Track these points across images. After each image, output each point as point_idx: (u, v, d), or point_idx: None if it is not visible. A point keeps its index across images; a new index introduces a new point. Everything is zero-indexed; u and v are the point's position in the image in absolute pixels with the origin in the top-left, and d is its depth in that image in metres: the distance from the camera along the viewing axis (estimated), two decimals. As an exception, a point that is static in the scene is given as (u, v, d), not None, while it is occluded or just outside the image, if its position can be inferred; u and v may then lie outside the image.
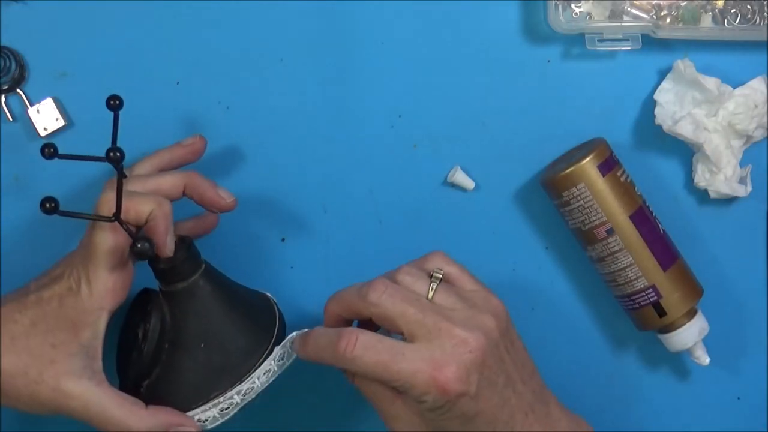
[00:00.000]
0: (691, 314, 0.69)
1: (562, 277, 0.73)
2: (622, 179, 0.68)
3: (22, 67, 0.71)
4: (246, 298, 0.65)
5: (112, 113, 0.61)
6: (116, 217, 0.58)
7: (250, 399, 0.62)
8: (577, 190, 0.68)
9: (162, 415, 0.60)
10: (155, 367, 0.62)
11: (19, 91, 0.71)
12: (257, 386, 0.61)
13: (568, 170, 0.68)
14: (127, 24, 0.71)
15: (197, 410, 0.61)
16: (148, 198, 0.60)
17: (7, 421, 0.70)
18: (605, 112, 0.72)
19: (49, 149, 0.59)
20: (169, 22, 0.71)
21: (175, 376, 0.61)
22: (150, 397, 0.61)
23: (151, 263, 0.62)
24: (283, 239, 0.73)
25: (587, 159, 0.67)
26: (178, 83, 0.72)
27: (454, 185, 0.73)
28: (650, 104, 0.71)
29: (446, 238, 0.73)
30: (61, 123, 0.71)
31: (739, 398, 0.74)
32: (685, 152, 0.72)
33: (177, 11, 0.71)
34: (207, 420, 0.61)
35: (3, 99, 0.71)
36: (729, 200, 0.72)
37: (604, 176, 0.68)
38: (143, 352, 0.62)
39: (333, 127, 0.72)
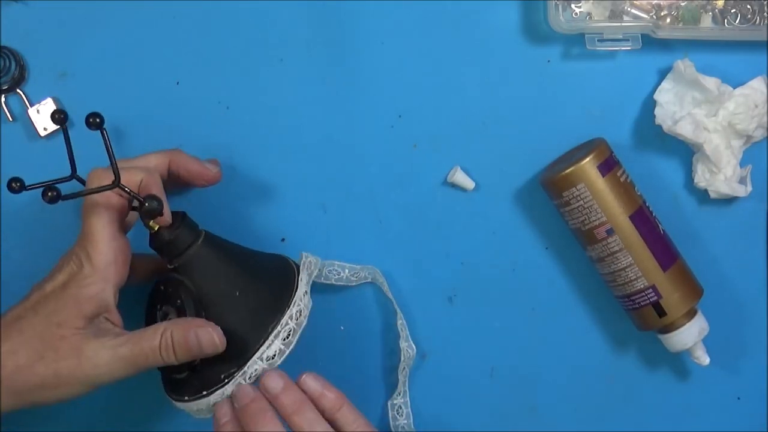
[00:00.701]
0: (691, 314, 0.69)
1: (562, 277, 0.73)
2: (622, 179, 0.68)
3: (22, 67, 0.71)
4: (253, 250, 0.66)
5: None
6: (116, 182, 0.58)
7: (303, 322, 0.63)
8: (577, 190, 0.68)
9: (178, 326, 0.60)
10: None
11: (19, 91, 0.71)
12: (302, 307, 0.63)
13: (568, 170, 0.68)
14: (127, 24, 0.71)
15: (262, 350, 0.62)
16: (137, 168, 0.61)
17: (6, 422, 0.70)
18: (605, 112, 0.72)
19: (52, 192, 0.58)
20: (169, 22, 0.71)
21: (226, 333, 0.62)
22: (211, 365, 0.61)
23: (155, 244, 0.63)
24: (283, 239, 0.73)
25: (587, 159, 0.67)
26: (178, 83, 0.72)
27: (454, 185, 0.73)
28: (650, 104, 0.71)
29: (446, 238, 0.73)
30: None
31: (739, 398, 0.74)
32: (685, 152, 0.72)
33: (177, 11, 0.71)
34: (275, 354, 0.62)
35: (3, 99, 0.71)
36: (729, 200, 0.72)
37: (604, 176, 0.68)
38: None
39: (333, 127, 0.72)
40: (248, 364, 0.61)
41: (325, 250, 0.73)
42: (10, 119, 0.72)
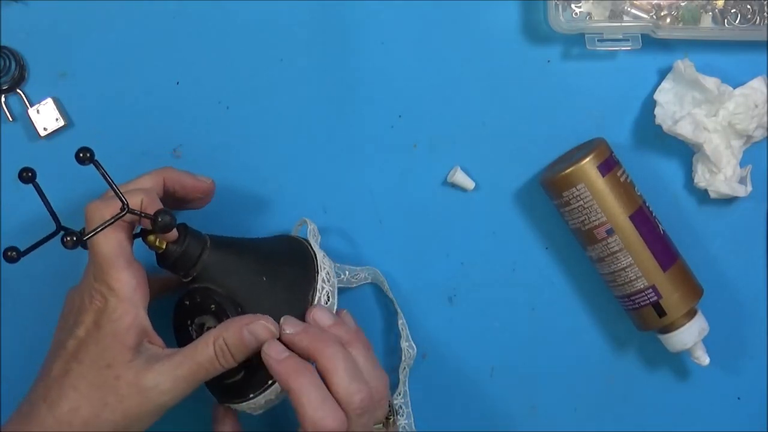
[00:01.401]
0: (691, 314, 0.69)
1: (562, 277, 0.73)
2: (622, 179, 0.68)
3: (22, 67, 0.71)
4: (256, 238, 0.67)
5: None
6: (126, 207, 0.58)
7: (335, 282, 0.64)
8: (577, 190, 0.68)
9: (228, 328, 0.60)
10: None
11: (19, 91, 0.71)
12: (329, 268, 0.64)
13: (568, 170, 0.68)
14: (127, 24, 0.71)
15: (312, 307, 0.63)
16: (135, 191, 0.60)
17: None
18: (605, 112, 0.72)
19: (70, 238, 0.57)
20: (169, 22, 0.71)
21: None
22: (259, 362, 0.61)
23: (166, 262, 0.62)
24: (283, 239, 0.73)
25: (587, 159, 0.67)
26: (178, 83, 0.72)
27: (454, 185, 0.73)
28: (650, 104, 0.71)
29: (446, 238, 0.73)
30: (61, 123, 0.71)
31: (739, 398, 0.74)
32: (685, 152, 0.72)
33: (177, 11, 0.71)
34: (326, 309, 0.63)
35: (3, 99, 0.71)
36: (729, 200, 0.72)
37: (604, 176, 0.68)
38: None
39: (333, 127, 0.72)
40: None
41: (325, 250, 0.73)
42: (10, 119, 0.72)
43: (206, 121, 0.72)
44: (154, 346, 0.60)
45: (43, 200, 0.60)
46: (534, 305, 0.73)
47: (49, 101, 0.71)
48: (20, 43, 0.71)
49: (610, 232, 0.68)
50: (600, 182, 0.67)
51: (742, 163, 0.71)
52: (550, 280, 0.73)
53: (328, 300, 0.63)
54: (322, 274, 0.64)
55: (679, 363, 0.74)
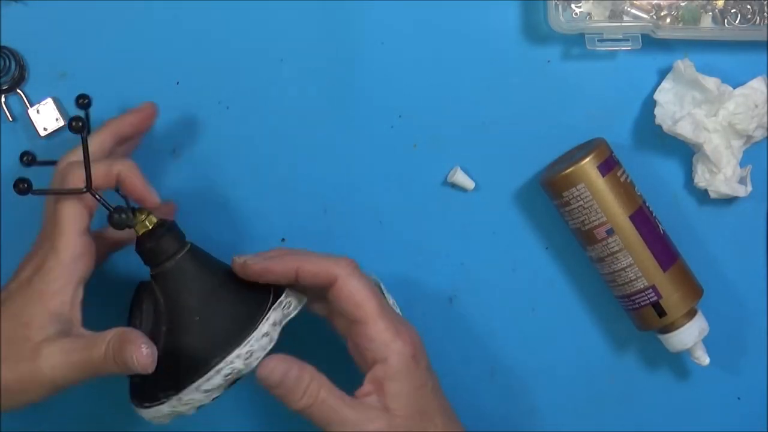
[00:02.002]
0: (691, 314, 0.69)
1: (562, 277, 0.73)
2: (622, 179, 0.68)
3: (22, 67, 0.71)
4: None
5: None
6: (87, 188, 0.58)
7: (253, 363, 0.61)
8: (577, 190, 0.68)
9: (114, 336, 0.59)
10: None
11: (19, 91, 0.71)
12: (256, 348, 0.61)
13: (568, 170, 0.68)
14: (127, 24, 0.71)
15: (201, 381, 0.60)
16: (113, 160, 0.60)
17: (6, 422, 0.70)
18: (605, 112, 0.72)
19: (23, 184, 0.59)
20: (169, 22, 0.71)
21: (176, 355, 0.61)
22: (156, 379, 0.60)
23: (137, 248, 0.62)
24: (283, 239, 0.73)
25: (587, 159, 0.67)
26: (178, 83, 0.72)
27: (454, 185, 0.73)
28: (650, 104, 0.71)
29: (446, 238, 0.73)
30: (61, 123, 0.71)
31: (739, 398, 0.74)
32: (685, 152, 0.72)
33: (177, 11, 0.71)
34: (213, 389, 0.60)
35: (3, 99, 0.71)
36: (729, 200, 0.72)
37: (604, 176, 0.68)
38: None
39: (333, 127, 0.72)
40: (184, 391, 0.60)
41: (325, 250, 0.72)
42: (10, 119, 0.72)
43: (206, 121, 0.72)
44: (73, 322, 0.59)
45: (51, 192, 0.60)
46: (534, 305, 0.73)
47: (49, 101, 0.71)
48: (20, 43, 0.71)
49: (610, 232, 0.68)
50: (600, 182, 0.67)
51: (742, 163, 0.71)
52: (550, 280, 0.73)
53: (230, 375, 0.60)
54: (242, 350, 0.60)
55: (679, 363, 0.74)
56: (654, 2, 0.70)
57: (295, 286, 0.63)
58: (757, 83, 0.70)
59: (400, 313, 0.70)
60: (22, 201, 0.71)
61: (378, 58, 0.72)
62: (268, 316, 0.62)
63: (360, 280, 0.61)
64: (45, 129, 0.71)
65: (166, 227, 0.62)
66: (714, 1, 0.70)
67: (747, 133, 0.70)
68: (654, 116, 0.70)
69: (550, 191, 0.70)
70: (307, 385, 0.59)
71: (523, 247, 0.73)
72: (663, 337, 0.70)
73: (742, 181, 0.71)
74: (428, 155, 0.73)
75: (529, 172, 0.72)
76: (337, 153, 0.72)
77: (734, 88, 0.70)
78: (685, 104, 0.70)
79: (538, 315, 0.73)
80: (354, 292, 0.60)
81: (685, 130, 0.69)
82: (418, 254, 0.73)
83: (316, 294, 0.63)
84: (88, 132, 0.58)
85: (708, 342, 0.71)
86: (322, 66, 0.72)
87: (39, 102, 0.71)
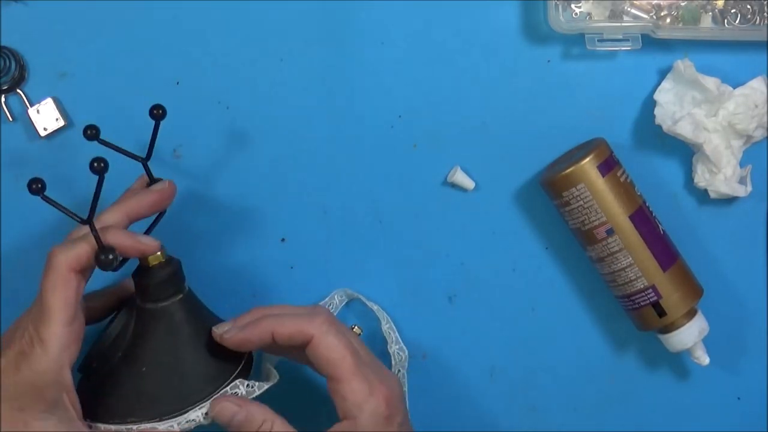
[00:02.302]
0: (691, 314, 0.69)
1: (561, 277, 0.73)
2: (622, 179, 0.68)
3: (22, 67, 0.71)
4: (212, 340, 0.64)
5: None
6: (88, 219, 0.57)
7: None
8: (577, 190, 0.68)
9: None
10: (99, 368, 0.62)
11: (19, 91, 0.71)
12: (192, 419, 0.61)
13: (568, 170, 0.68)
14: (127, 24, 0.71)
15: (109, 426, 0.60)
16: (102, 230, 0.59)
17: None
18: (605, 112, 0.72)
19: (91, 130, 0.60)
20: (169, 22, 0.71)
21: (109, 387, 0.61)
22: (82, 391, 0.60)
23: (133, 277, 0.62)
24: (283, 239, 0.73)
25: (587, 159, 0.67)
26: (178, 83, 0.72)
27: (454, 185, 0.73)
28: (650, 104, 0.71)
29: (446, 238, 0.73)
30: (61, 123, 0.71)
31: (739, 398, 0.74)
32: (685, 152, 0.72)
33: (177, 11, 0.71)
34: None
35: (3, 99, 0.71)
36: (729, 200, 0.72)
37: (604, 176, 0.68)
38: (95, 348, 0.62)
39: (333, 127, 0.72)
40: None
41: (325, 250, 0.73)
42: (10, 119, 0.72)
43: (206, 121, 0.72)
44: (70, 407, 0.58)
45: (57, 207, 0.59)
46: (534, 305, 0.73)
47: (49, 101, 0.71)
48: (20, 43, 0.71)
49: (610, 232, 0.68)
50: (600, 182, 0.67)
51: (742, 163, 0.71)
52: (550, 280, 0.73)
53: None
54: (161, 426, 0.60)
55: (679, 363, 0.74)
56: (654, 2, 0.70)
57: (273, 346, 0.63)
58: (757, 83, 0.70)
59: (398, 337, 0.70)
60: (23, 199, 0.72)
61: (378, 58, 0.72)
62: (202, 405, 0.61)
63: (336, 336, 0.60)
64: (45, 129, 0.71)
65: (168, 270, 0.62)
66: (714, 1, 0.70)
67: (747, 133, 0.70)
68: (654, 116, 0.70)
69: (550, 191, 0.70)
70: (259, 424, 0.59)
71: (523, 247, 0.73)
72: (663, 337, 0.70)
73: (742, 181, 0.71)
74: (428, 155, 0.73)
75: (529, 172, 0.72)
76: (337, 153, 0.72)
77: (734, 88, 0.70)
78: (685, 104, 0.70)
79: (538, 315, 0.73)
80: (328, 350, 0.60)
81: (684, 130, 0.69)
82: (418, 254, 0.73)
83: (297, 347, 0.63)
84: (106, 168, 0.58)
85: (708, 342, 0.71)
86: (322, 66, 0.72)
87: (39, 102, 0.71)
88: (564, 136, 0.72)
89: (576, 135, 0.72)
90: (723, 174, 0.70)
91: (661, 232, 0.70)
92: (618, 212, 0.68)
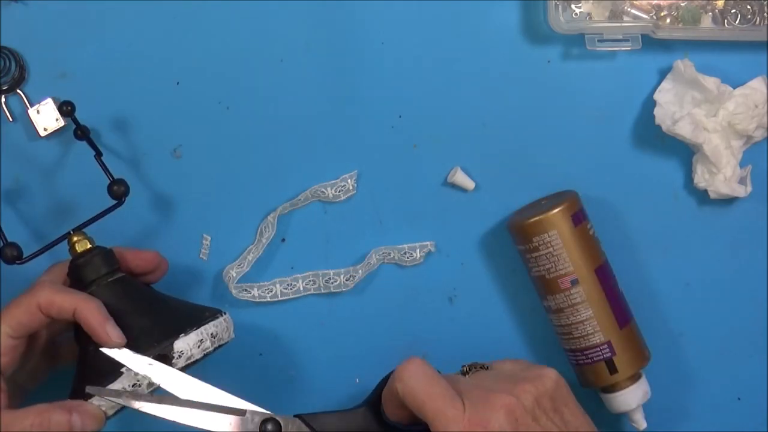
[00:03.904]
0: (636, 378, 0.69)
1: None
2: (591, 233, 0.68)
3: (22, 67, 0.71)
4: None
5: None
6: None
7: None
8: (549, 236, 0.67)
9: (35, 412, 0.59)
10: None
11: (19, 91, 0.71)
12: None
13: (542, 216, 0.67)
14: (127, 24, 0.71)
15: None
16: (80, 297, 0.61)
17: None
18: (605, 112, 0.72)
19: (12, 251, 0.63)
20: (169, 22, 0.71)
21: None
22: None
23: (70, 271, 0.64)
24: (283, 239, 0.73)
25: (560, 208, 0.67)
26: (178, 83, 0.72)
27: (454, 185, 0.73)
28: (650, 104, 0.71)
29: (446, 238, 0.73)
30: (61, 123, 0.71)
31: (739, 398, 0.74)
32: (685, 152, 0.72)
33: (177, 11, 0.71)
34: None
35: (3, 99, 0.71)
36: (729, 200, 0.72)
37: (575, 227, 0.67)
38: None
39: (333, 128, 0.72)
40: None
41: (325, 250, 0.73)
42: (10, 119, 0.72)
43: (206, 121, 0.72)
44: None
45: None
46: (534, 306, 0.73)
47: (49, 101, 0.71)
48: (20, 43, 0.71)
49: (574, 283, 0.67)
50: (571, 232, 0.67)
51: (742, 163, 0.71)
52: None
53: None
54: (207, 329, 0.62)
55: (678, 363, 0.74)
56: (654, 2, 0.70)
57: None
58: (757, 83, 0.70)
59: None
60: (23, 200, 0.72)
61: (378, 58, 0.72)
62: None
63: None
64: (45, 129, 0.71)
65: (99, 252, 0.63)
66: (714, 1, 0.70)
67: (747, 133, 0.70)
68: (654, 116, 0.70)
69: (518, 236, 0.69)
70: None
71: (523, 247, 0.73)
72: (607, 397, 0.70)
73: (742, 181, 0.70)
74: (428, 155, 0.73)
75: (529, 173, 0.72)
76: (338, 153, 0.72)
77: (734, 88, 0.70)
78: (684, 104, 0.70)
79: (538, 315, 0.73)
80: None
81: (684, 130, 0.68)
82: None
83: None
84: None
85: (707, 343, 0.71)
86: (322, 66, 0.72)
87: (39, 102, 0.71)
88: (564, 136, 0.72)
89: (576, 135, 0.72)
90: (723, 174, 0.70)
91: (620, 290, 0.70)
92: (584, 264, 0.68)
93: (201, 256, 0.73)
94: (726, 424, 0.74)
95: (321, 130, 0.72)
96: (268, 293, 0.72)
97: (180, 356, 0.61)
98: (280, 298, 0.72)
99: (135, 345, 0.60)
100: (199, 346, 0.62)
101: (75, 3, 0.71)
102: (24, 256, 0.62)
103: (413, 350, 0.73)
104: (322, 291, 0.72)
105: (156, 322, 0.62)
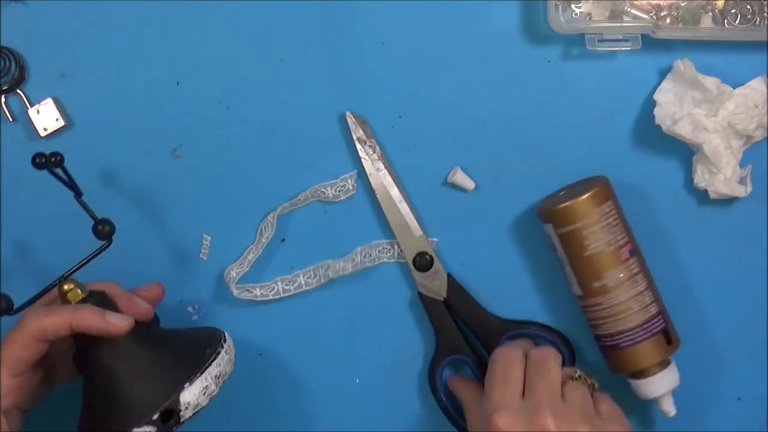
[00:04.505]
0: (665, 364, 0.69)
1: (561, 277, 0.73)
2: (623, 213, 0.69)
3: (22, 67, 0.71)
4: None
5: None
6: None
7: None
8: (608, 206, 0.67)
9: None
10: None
11: (19, 91, 0.71)
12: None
13: (595, 189, 0.67)
14: (127, 24, 0.71)
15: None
16: (61, 313, 0.61)
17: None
18: (605, 112, 0.72)
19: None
20: (169, 22, 0.71)
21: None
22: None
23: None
24: (283, 239, 0.73)
25: (603, 181, 0.68)
26: (178, 83, 0.72)
27: (454, 185, 0.73)
28: (650, 104, 0.71)
29: (446, 238, 0.73)
30: (61, 123, 0.71)
31: (739, 398, 0.74)
32: (685, 152, 0.72)
33: (177, 11, 0.71)
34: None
35: (3, 99, 0.71)
36: (729, 201, 0.72)
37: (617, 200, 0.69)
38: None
39: (333, 128, 0.72)
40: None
41: (325, 250, 0.73)
42: (10, 119, 0.72)
43: (206, 121, 0.72)
44: None
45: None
46: (534, 306, 0.73)
47: (49, 101, 0.71)
48: (20, 43, 0.71)
49: (632, 252, 0.68)
50: (617, 204, 0.68)
51: (742, 163, 0.71)
52: (551, 281, 0.73)
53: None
54: (211, 371, 0.61)
55: (678, 363, 0.74)
56: (654, 2, 0.70)
57: None
58: (757, 83, 0.70)
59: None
60: (23, 200, 0.72)
61: (378, 59, 0.72)
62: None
63: None
64: (45, 129, 0.71)
65: (95, 300, 0.62)
66: (714, 1, 0.70)
67: (747, 133, 0.70)
68: (654, 116, 0.70)
69: (570, 215, 0.67)
70: None
71: (523, 247, 0.73)
72: (636, 383, 0.69)
73: (742, 181, 0.70)
74: (428, 155, 0.73)
75: (529, 172, 0.72)
76: (338, 153, 0.72)
77: (734, 88, 0.70)
78: (684, 104, 0.70)
79: (538, 316, 0.73)
80: None
81: (684, 130, 0.68)
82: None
83: None
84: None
85: (707, 342, 0.71)
86: (322, 66, 0.72)
87: (39, 102, 0.71)
88: (564, 136, 0.72)
89: (576, 135, 0.72)
90: (723, 174, 0.70)
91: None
92: (630, 235, 0.68)
93: (201, 256, 0.73)
94: (726, 424, 0.74)
95: (321, 130, 0.72)
96: (270, 291, 0.72)
97: (187, 408, 0.60)
98: (282, 295, 0.72)
99: (139, 406, 0.59)
100: (204, 393, 0.61)
101: (75, 3, 0.71)
102: (14, 308, 0.61)
103: (414, 350, 0.73)
104: (323, 281, 0.72)
105: (158, 374, 0.61)
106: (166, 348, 0.63)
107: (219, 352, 0.62)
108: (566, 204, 0.68)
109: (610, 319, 0.69)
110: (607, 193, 0.68)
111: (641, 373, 0.69)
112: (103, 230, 0.62)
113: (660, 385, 0.69)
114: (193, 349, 0.63)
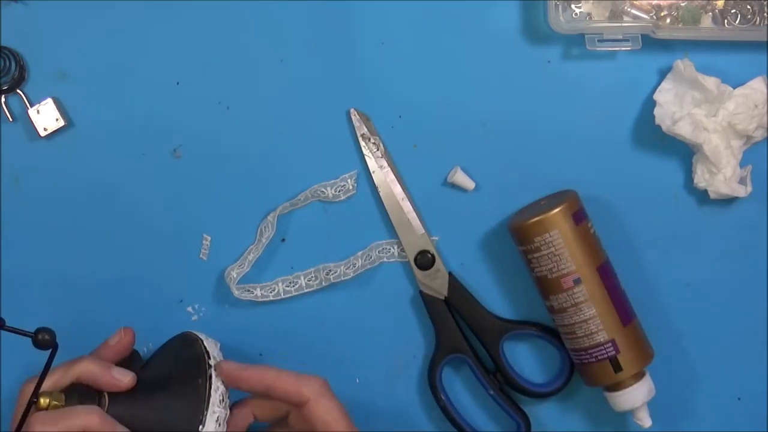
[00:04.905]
0: (640, 376, 0.69)
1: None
2: (591, 231, 0.68)
3: (22, 67, 0.71)
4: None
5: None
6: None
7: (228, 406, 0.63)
8: (550, 236, 0.67)
9: None
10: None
11: (19, 91, 0.71)
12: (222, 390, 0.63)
13: (542, 216, 0.67)
14: (127, 24, 0.71)
15: None
16: (71, 363, 0.62)
17: (6, 422, 0.71)
18: (605, 112, 0.72)
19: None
20: (169, 22, 0.72)
21: None
22: None
23: None
24: (283, 239, 0.73)
25: (561, 207, 0.67)
26: (178, 83, 0.72)
27: (454, 185, 0.73)
28: (650, 104, 0.71)
29: (446, 238, 0.73)
30: (61, 123, 0.71)
31: (739, 398, 0.74)
32: (685, 152, 0.72)
33: (177, 11, 0.71)
34: None
35: (3, 99, 0.71)
36: (729, 201, 0.72)
37: (576, 226, 0.67)
38: None
39: (333, 128, 0.72)
40: None
41: (325, 250, 0.73)
42: (10, 119, 0.72)
43: (206, 121, 0.72)
44: None
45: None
46: (534, 306, 0.73)
47: (49, 101, 0.71)
48: (20, 43, 0.71)
49: (577, 282, 0.67)
50: (573, 231, 0.67)
51: (742, 163, 0.71)
52: (550, 280, 0.73)
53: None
54: (213, 400, 0.62)
55: (678, 363, 0.74)
56: (654, 2, 0.70)
57: (261, 398, 0.65)
58: (757, 83, 0.70)
59: None
60: (23, 200, 0.72)
61: (378, 58, 0.72)
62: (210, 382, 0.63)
63: (331, 400, 0.63)
64: (45, 129, 0.71)
65: (77, 395, 0.62)
66: (714, 1, 0.70)
67: (747, 133, 0.70)
68: (654, 116, 0.70)
69: (519, 236, 0.69)
70: None
71: (523, 247, 0.73)
72: (611, 395, 0.69)
73: (742, 181, 0.70)
74: (428, 155, 0.73)
75: (529, 173, 0.72)
76: (338, 153, 0.72)
77: (734, 88, 0.70)
78: (684, 104, 0.70)
79: (538, 316, 0.73)
80: (325, 412, 0.63)
81: (684, 130, 0.68)
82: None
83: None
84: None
85: (707, 342, 0.71)
86: (322, 66, 0.72)
87: (39, 102, 0.71)
88: (564, 136, 0.72)
89: (576, 135, 0.72)
90: (723, 174, 0.70)
91: (622, 288, 0.69)
92: (586, 263, 0.67)
93: (201, 256, 0.73)
94: (726, 424, 0.74)
95: (321, 130, 0.72)
96: (270, 292, 0.72)
97: None
98: (282, 296, 0.72)
99: None
100: (219, 424, 0.62)
101: (75, 3, 0.71)
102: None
103: (413, 350, 0.73)
104: (324, 284, 0.72)
105: (169, 425, 0.61)
106: (156, 396, 0.63)
107: (210, 376, 0.63)
108: (518, 224, 0.68)
109: (565, 336, 0.70)
110: (557, 220, 0.67)
111: (615, 386, 0.69)
112: (44, 339, 0.59)
113: (634, 398, 0.69)
114: (186, 382, 0.63)
